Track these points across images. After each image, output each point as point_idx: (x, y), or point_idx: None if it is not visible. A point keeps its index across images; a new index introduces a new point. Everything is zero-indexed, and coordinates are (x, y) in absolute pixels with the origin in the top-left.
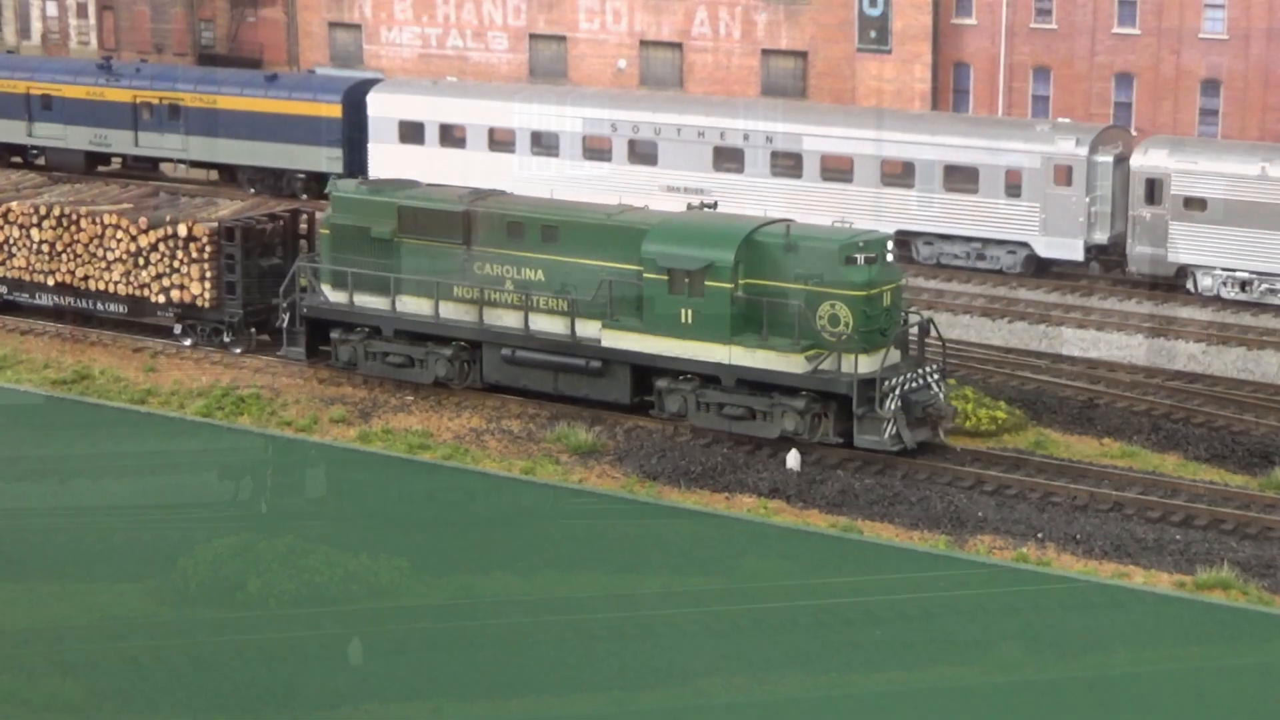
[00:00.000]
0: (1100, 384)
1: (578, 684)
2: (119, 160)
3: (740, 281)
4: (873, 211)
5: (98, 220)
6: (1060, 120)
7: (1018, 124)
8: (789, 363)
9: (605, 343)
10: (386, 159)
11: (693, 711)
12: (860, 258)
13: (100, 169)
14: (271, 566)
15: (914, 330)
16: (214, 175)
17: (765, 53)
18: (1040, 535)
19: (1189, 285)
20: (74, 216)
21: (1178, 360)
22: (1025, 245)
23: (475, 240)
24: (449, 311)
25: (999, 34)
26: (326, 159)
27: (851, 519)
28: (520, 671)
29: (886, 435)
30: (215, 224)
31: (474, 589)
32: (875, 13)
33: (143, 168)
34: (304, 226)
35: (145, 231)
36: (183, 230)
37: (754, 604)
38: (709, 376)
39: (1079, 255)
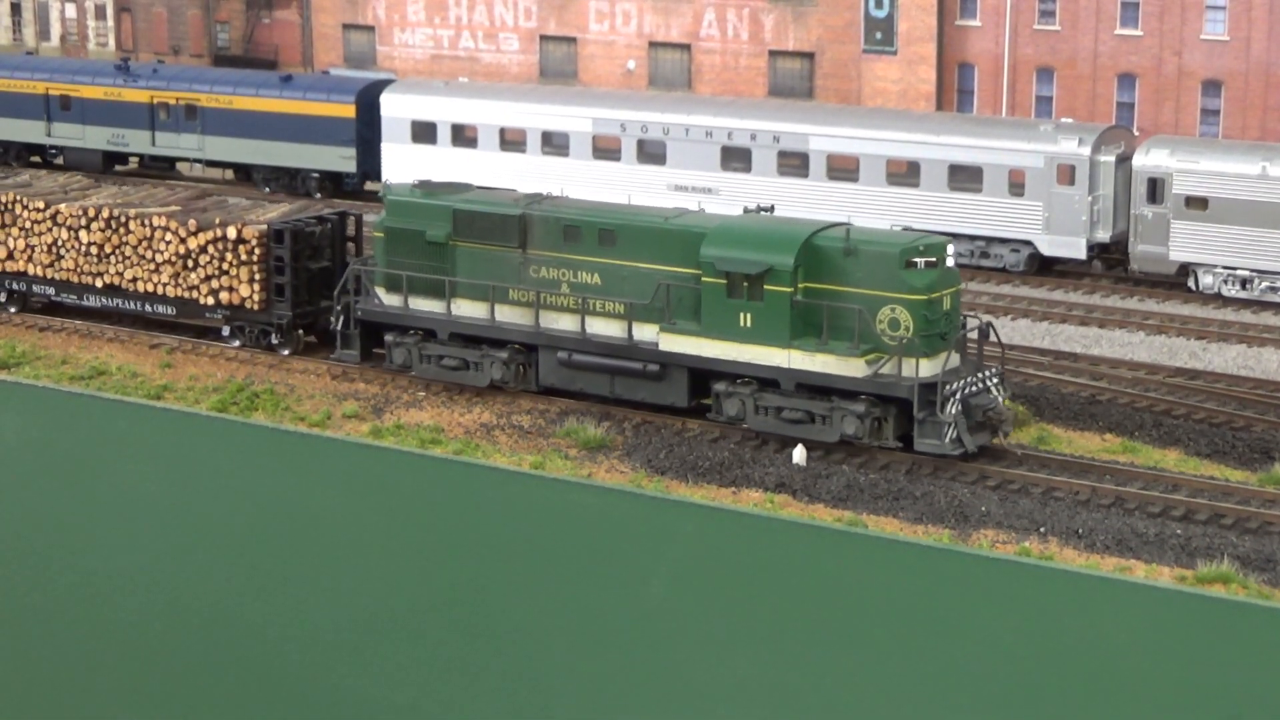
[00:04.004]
0: (1102, 380)
1: (581, 674)
2: (136, 160)
3: (800, 285)
4: (878, 211)
5: (146, 223)
6: (1063, 120)
7: (1021, 124)
8: (849, 367)
9: (662, 346)
10: (399, 159)
11: (694, 700)
12: (920, 262)
13: (118, 168)
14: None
15: (973, 334)
16: (229, 175)
17: (772, 54)
18: (1043, 530)
19: (1190, 283)
20: (123, 219)
21: (1179, 357)
22: (1029, 244)
23: (531, 243)
24: (505, 315)
25: (1003, 35)
26: (340, 159)
27: (856, 513)
28: (526, 665)
29: (947, 439)
30: (264, 227)
31: (479, 582)
32: (881, 14)
33: (159, 167)
34: (352, 229)
35: (194, 234)
36: (232, 233)
37: (758, 597)
38: (767, 380)
39: (1082, 254)
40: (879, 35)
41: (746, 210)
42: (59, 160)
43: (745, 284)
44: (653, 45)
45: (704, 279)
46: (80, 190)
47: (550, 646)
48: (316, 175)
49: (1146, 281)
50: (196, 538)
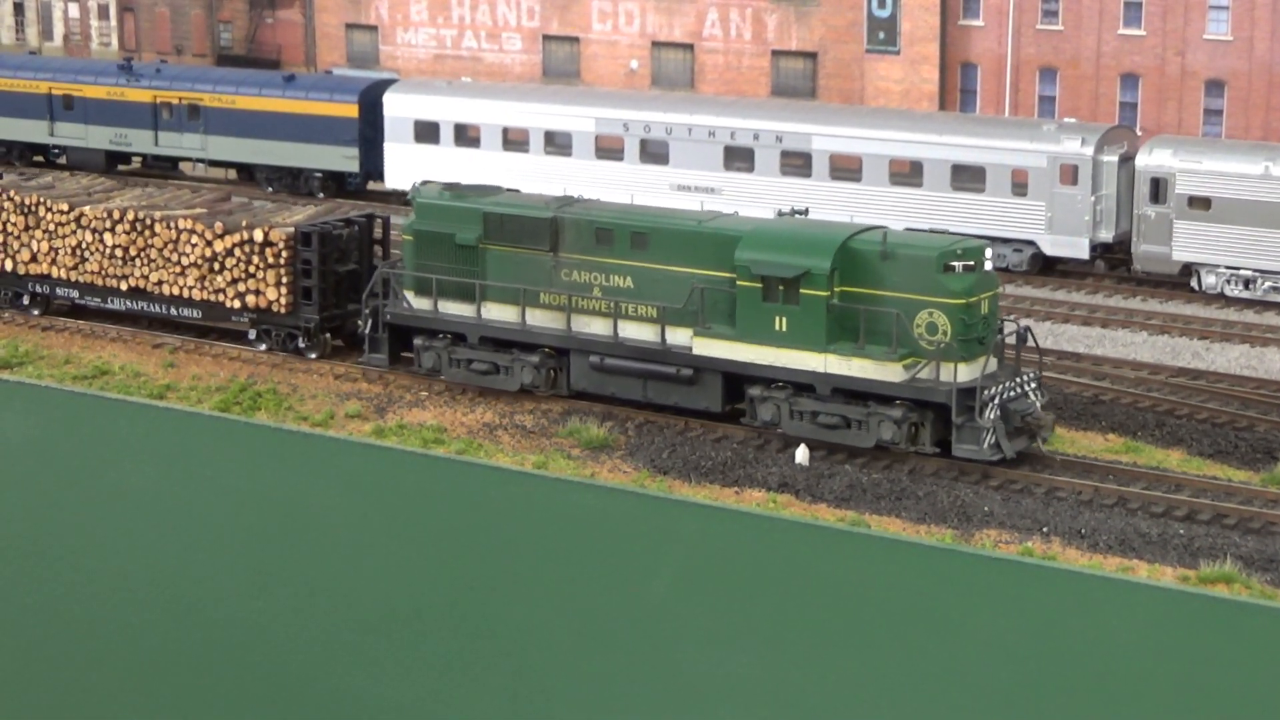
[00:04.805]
0: (1105, 380)
1: (583, 674)
2: (139, 160)
3: (836, 289)
4: (881, 211)
5: (172, 225)
6: (1066, 120)
7: (1024, 124)
8: (886, 371)
9: (696, 350)
10: (402, 159)
11: (695, 700)
12: (958, 266)
13: (120, 168)
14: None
15: (1010, 338)
16: (232, 174)
17: (775, 53)
18: (1046, 530)
19: (1193, 283)
20: (148, 221)
21: (1181, 357)
22: (1031, 244)
23: (563, 247)
24: (536, 318)
25: (1005, 35)
26: (343, 158)
27: (859, 513)
28: (528, 665)
29: (985, 445)
30: (292, 229)
31: (481, 582)
32: (884, 14)
33: (162, 167)
34: (379, 232)
35: (221, 236)
36: (259, 236)
37: (760, 597)
38: (803, 385)
39: (1084, 253)
40: (882, 35)
41: (781, 213)
42: (62, 160)
43: (781, 287)
44: (655, 45)
45: (739, 282)
46: (104, 192)
47: (552, 646)
48: (319, 175)
49: (1149, 281)
50: (199, 537)
